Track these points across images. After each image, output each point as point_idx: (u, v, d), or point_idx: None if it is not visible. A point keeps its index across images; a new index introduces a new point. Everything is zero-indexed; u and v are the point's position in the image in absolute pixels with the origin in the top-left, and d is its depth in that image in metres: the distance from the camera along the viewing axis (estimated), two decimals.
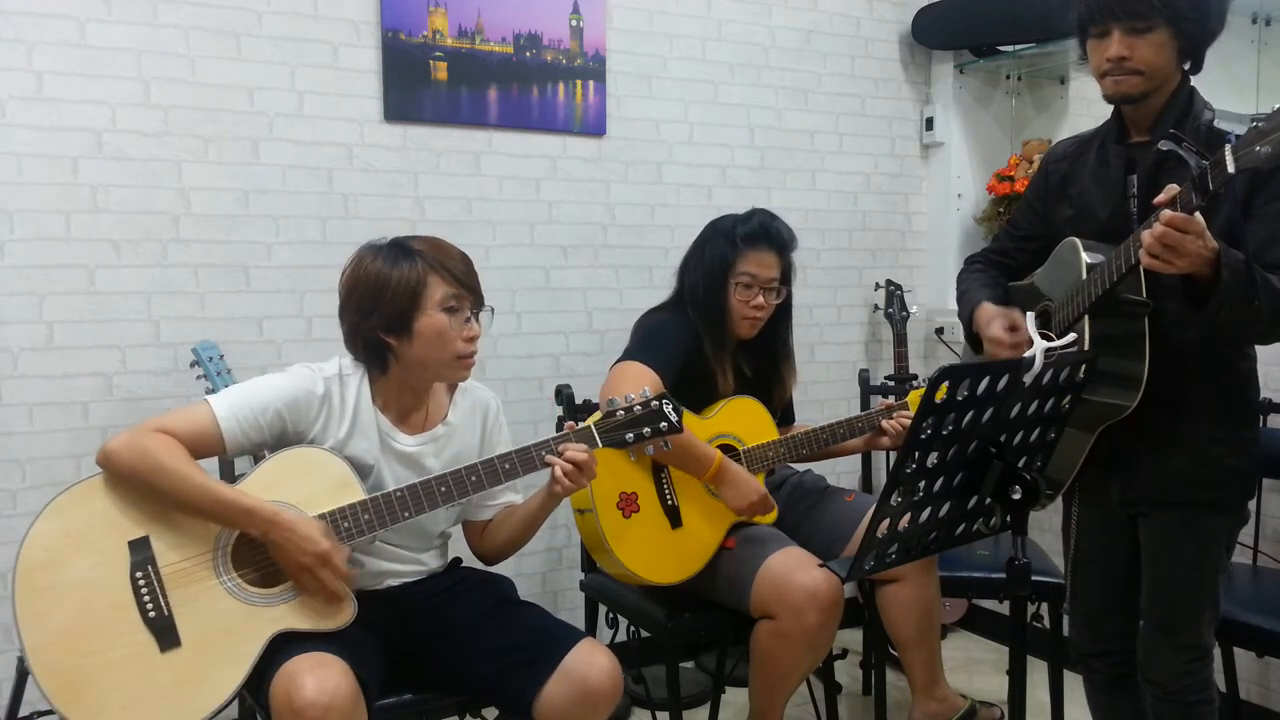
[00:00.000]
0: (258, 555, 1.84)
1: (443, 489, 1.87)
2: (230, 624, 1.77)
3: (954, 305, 2.19)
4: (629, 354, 2.36)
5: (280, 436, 1.87)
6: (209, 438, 1.81)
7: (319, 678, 1.67)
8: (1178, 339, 1.75)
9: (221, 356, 2.43)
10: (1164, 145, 1.67)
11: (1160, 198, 1.60)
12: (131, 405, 2.60)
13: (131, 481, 1.77)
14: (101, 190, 2.56)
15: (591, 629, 2.67)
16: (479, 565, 2.16)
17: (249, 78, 2.70)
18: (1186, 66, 1.80)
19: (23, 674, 2.23)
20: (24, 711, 2.25)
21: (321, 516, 1.82)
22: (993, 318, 1.95)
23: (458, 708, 2.02)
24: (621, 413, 1.95)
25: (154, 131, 2.60)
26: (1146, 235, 1.59)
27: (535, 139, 3.06)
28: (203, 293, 2.68)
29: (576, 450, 1.90)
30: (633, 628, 2.52)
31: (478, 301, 1.95)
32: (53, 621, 1.70)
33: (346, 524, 1.83)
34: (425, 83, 2.89)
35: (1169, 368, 1.74)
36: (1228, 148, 1.49)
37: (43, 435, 2.53)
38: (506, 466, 1.89)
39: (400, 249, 1.90)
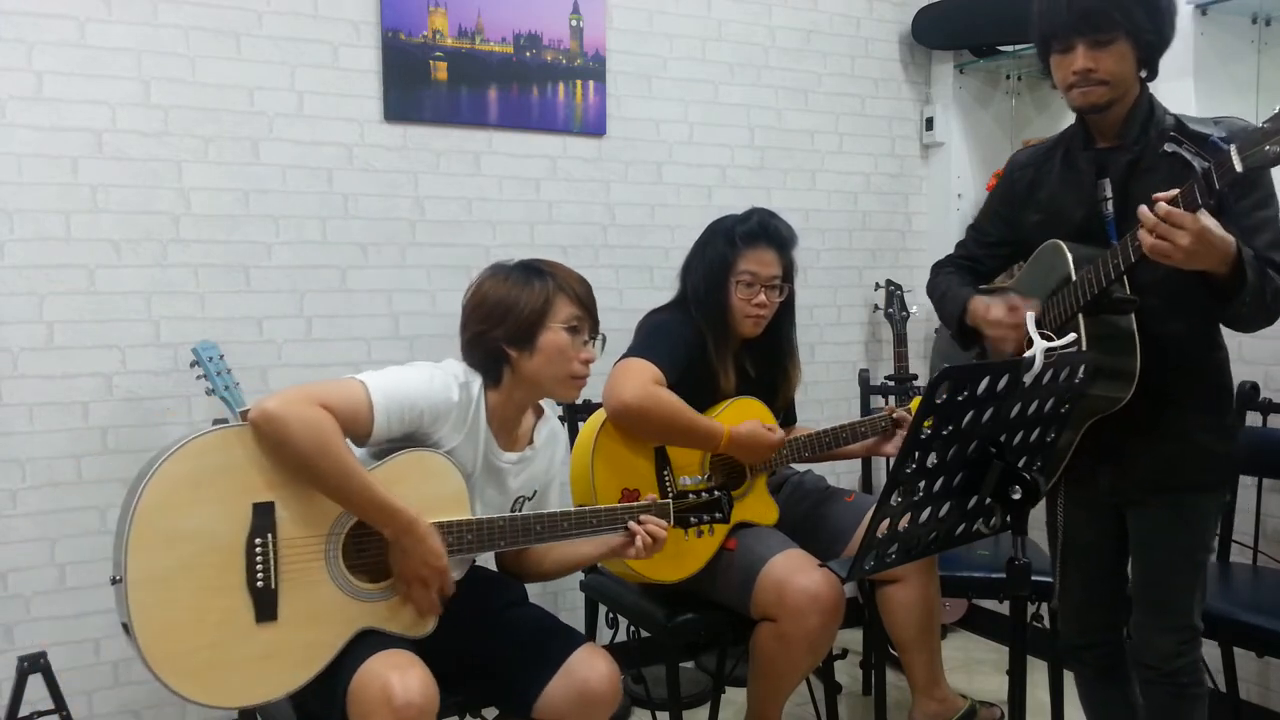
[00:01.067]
0: (366, 548, 1.84)
1: (538, 527, 1.90)
2: (326, 611, 1.77)
3: None
4: (632, 351, 2.37)
5: (409, 436, 1.86)
6: (359, 423, 1.77)
7: (408, 678, 1.68)
8: (1160, 333, 1.81)
9: (221, 356, 2.43)
10: (1169, 147, 1.75)
11: (1162, 196, 1.64)
12: (131, 405, 2.60)
13: (285, 449, 1.71)
14: (101, 190, 2.56)
15: (591, 629, 2.67)
16: (487, 565, 2.16)
17: (249, 78, 2.70)
18: (1143, 75, 1.87)
19: (22, 674, 2.23)
20: (24, 711, 2.25)
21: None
22: (990, 303, 1.99)
23: (458, 708, 2.02)
24: (692, 496, 2.06)
25: (154, 131, 2.60)
26: (1149, 218, 1.64)
27: (535, 139, 3.06)
28: (203, 293, 2.68)
29: (658, 525, 1.97)
30: (633, 628, 2.52)
31: (595, 327, 2.00)
32: (160, 562, 1.66)
33: (451, 539, 1.83)
34: (425, 83, 2.89)
35: (1153, 360, 1.80)
36: (1233, 147, 1.55)
37: (43, 435, 2.53)
38: (595, 521, 1.95)
39: (531, 269, 1.97)
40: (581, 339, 1.97)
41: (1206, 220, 1.62)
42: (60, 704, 2.29)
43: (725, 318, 2.41)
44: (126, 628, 1.65)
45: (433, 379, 1.87)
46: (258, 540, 1.72)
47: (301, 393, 1.74)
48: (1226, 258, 1.66)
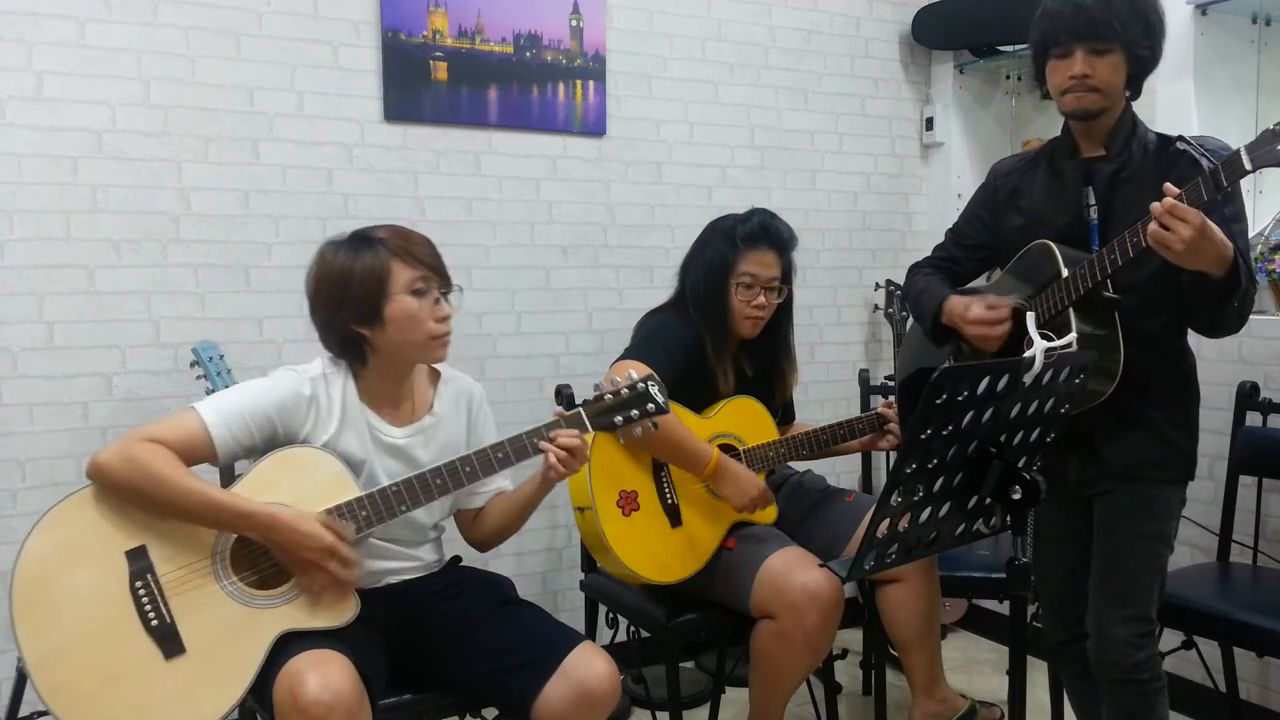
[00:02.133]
0: (257, 558, 1.84)
1: (438, 481, 1.87)
2: (234, 628, 1.77)
3: None
4: (628, 353, 2.36)
5: (271, 440, 1.87)
6: (199, 445, 1.80)
7: (322, 675, 1.67)
8: (1137, 332, 1.90)
9: (221, 356, 2.43)
10: (1180, 145, 1.87)
11: (1173, 191, 1.72)
12: (131, 405, 2.60)
13: (124, 492, 1.75)
14: (101, 190, 2.56)
15: (591, 629, 2.67)
16: (480, 564, 2.16)
17: (249, 78, 2.70)
18: (1128, 94, 1.97)
19: (22, 674, 2.23)
20: (24, 711, 2.25)
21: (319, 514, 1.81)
22: (969, 302, 2.05)
23: (457, 708, 2.01)
24: (609, 396, 1.96)
25: (154, 131, 2.60)
26: (1157, 206, 1.71)
27: (535, 139, 3.06)
28: (203, 293, 2.68)
29: (569, 436, 1.90)
30: (633, 628, 2.52)
31: (445, 282, 1.95)
32: (53, 637, 1.68)
33: (345, 521, 1.83)
34: (425, 83, 2.89)
35: (1130, 357, 1.89)
36: (1243, 148, 1.66)
37: (43, 435, 2.53)
38: (500, 455, 1.89)
39: (361, 239, 1.92)
40: (431, 299, 1.91)
41: (1205, 221, 1.70)
42: None
43: (725, 319, 2.41)
44: (46, 711, 1.66)
45: (275, 382, 1.88)
46: (138, 583, 1.74)
47: (129, 436, 1.78)
48: (1223, 261, 1.75)
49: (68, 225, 2.53)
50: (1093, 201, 1.96)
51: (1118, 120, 1.96)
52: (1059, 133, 2.09)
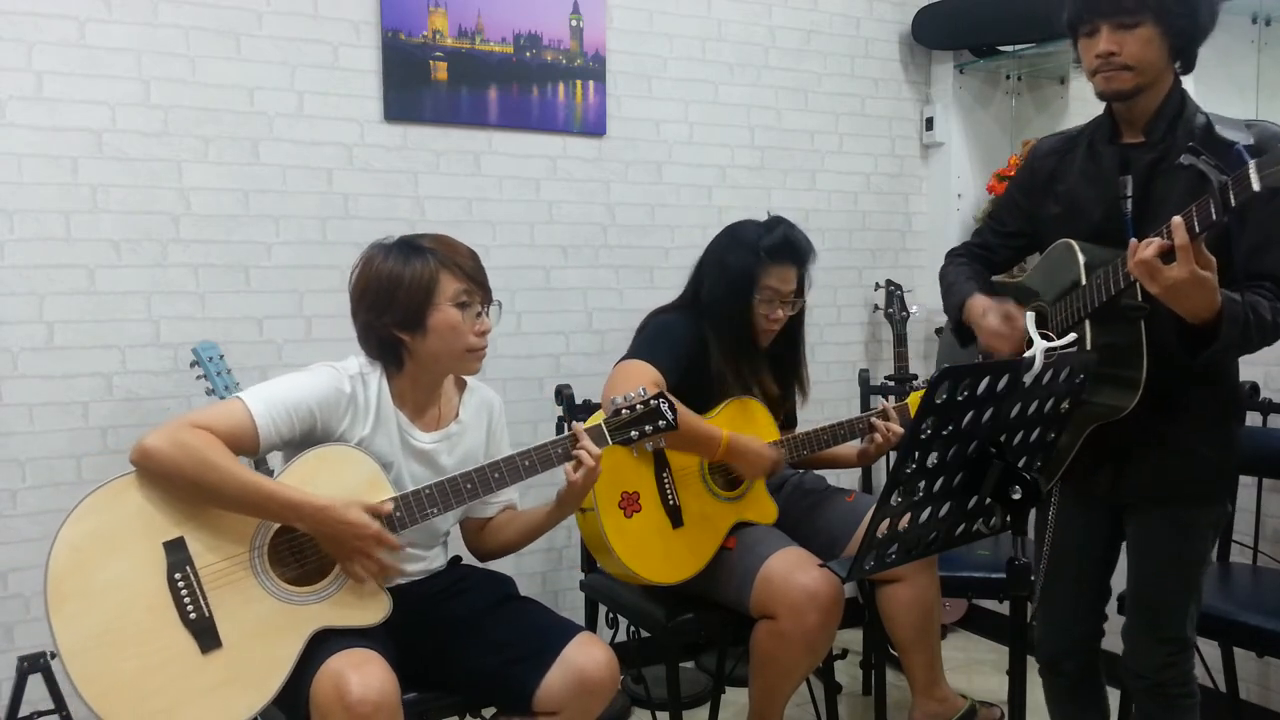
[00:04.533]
0: (294, 553, 1.84)
1: (468, 486, 1.89)
2: (270, 624, 1.77)
3: None
4: (633, 352, 2.36)
5: (308, 435, 1.87)
6: (245, 435, 1.79)
7: (365, 674, 1.68)
8: (1166, 343, 1.75)
9: (221, 356, 2.43)
10: (1185, 159, 1.68)
11: (1179, 234, 1.59)
12: (131, 405, 2.60)
13: (172, 479, 1.73)
14: (101, 190, 2.56)
15: (591, 629, 2.67)
16: (478, 562, 2.17)
17: (249, 78, 2.70)
18: (1177, 67, 1.81)
19: (22, 674, 2.23)
20: (24, 711, 2.25)
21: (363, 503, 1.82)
22: (987, 309, 1.96)
23: (457, 707, 2.02)
24: (626, 411, 1.99)
25: (154, 131, 2.60)
26: (1175, 220, 1.58)
27: (535, 139, 3.06)
28: (203, 293, 2.68)
29: (585, 451, 1.93)
30: (633, 628, 2.52)
31: (487, 296, 1.97)
32: (87, 625, 1.67)
33: (380, 520, 1.83)
34: (425, 83, 2.89)
35: (1160, 367, 1.75)
36: (1252, 165, 1.50)
37: (43, 435, 2.53)
38: (527, 464, 1.92)
39: (411, 247, 1.93)
40: (473, 312, 1.93)
41: (1201, 274, 1.57)
42: (60, 704, 2.28)
43: (747, 331, 2.41)
44: (79, 698, 1.64)
45: (318, 377, 1.89)
46: (177, 575, 1.73)
47: (178, 422, 1.77)
48: (1194, 314, 1.64)
49: (68, 225, 2.53)
50: (1129, 193, 1.78)
51: (1162, 101, 1.78)
52: (1063, 129, 1.99)
